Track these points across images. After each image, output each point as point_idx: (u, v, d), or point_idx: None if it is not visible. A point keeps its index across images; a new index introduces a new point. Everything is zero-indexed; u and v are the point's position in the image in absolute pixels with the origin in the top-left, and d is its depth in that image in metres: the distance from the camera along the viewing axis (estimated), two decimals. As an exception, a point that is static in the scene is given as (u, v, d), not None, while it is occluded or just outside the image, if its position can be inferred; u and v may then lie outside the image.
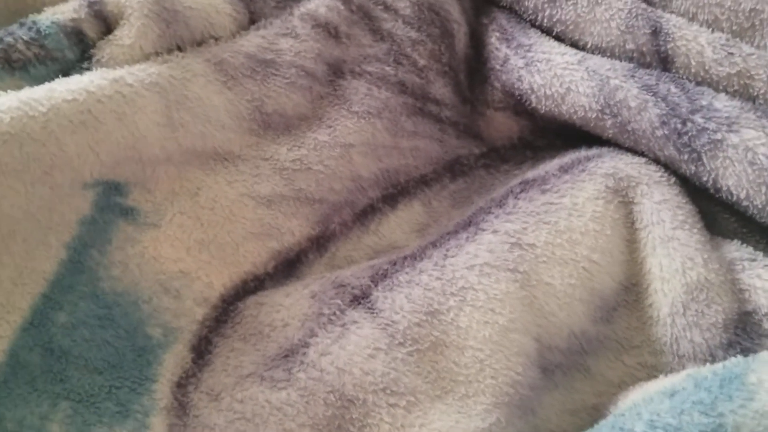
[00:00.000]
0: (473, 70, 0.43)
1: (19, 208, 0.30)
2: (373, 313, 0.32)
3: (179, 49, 0.36)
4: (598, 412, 0.33)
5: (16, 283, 0.31)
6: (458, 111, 0.41)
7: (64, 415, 0.30)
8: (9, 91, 0.31)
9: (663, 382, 0.30)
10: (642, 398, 0.30)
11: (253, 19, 0.39)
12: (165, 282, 0.33)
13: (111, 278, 0.33)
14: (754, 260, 0.34)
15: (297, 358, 0.31)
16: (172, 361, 0.32)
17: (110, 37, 0.34)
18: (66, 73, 0.34)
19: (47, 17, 0.34)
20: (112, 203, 0.33)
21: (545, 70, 0.39)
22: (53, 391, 0.30)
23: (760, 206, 0.34)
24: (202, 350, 0.33)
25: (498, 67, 0.42)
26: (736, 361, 0.29)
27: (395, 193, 0.39)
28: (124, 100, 0.33)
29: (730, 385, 0.28)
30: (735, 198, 0.34)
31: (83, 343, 0.31)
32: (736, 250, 0.35)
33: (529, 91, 0.40)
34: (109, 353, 0.31)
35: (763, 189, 0.34)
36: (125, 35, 0.34)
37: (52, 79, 0.33)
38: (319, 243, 0.37)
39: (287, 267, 0.36)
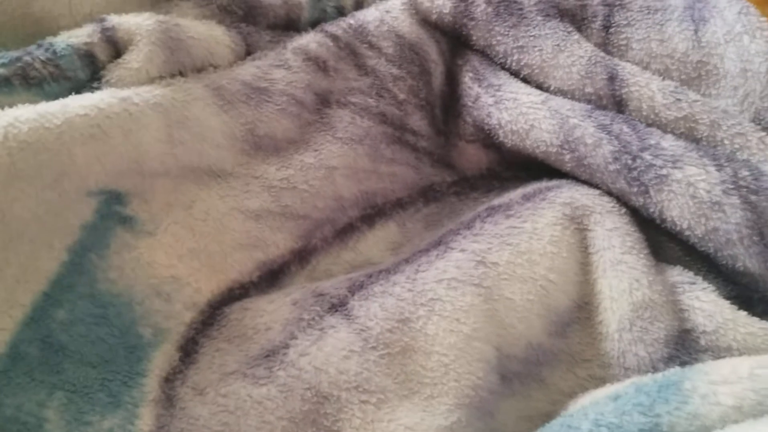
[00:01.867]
0: (448, 106, 0.46)
1: (29, 210, 0.32)
2: (349, 319, 0.35)
3: (181, 74, 0.39)
4: (551, 419, 0.35)
5: (20, 281, 0.33)
6: (433, 142, 0.45)
7: (60, 403, 0.32)
8: (26, 104, 0.34)
9: (609, 389, 0.33)
10: (589, 401, 0.33)
11: (249, 51, 0.42)
12: (157, 286, 0.35)
13: (108, 280, 0.35)
14: (693, 284, 0.37)
15: (278, 358, 0.34)
16: (161, 359, 0.34)
17: (119, 60, 0.37)
18: (77, 91, 0.36)
19: (63, 40, 0.37)
20: (112, 211, 0.35)
21: (512, 108, 0.43)
22: (50, 381, 0.32)
23: (700, 236, 0.37)
24: (189, 350, 0.35)
25: (470, 103, 0.45)
26: (674, 371, 0.31)
27: (373, 213, 0.42)
28: (130, 118, 0.35)
29: (667, 391, 0.30)
30: (678, 228, 0.37)
31: (79, 338, 0.33)
32: (678, 274, 0.38)
33: (497, 127, 0.43)
34: (103, 349, 0.33)
35: (703, 220, 0.37)
36: (134, 59, 0.37)
37: (65, 96, 0.36)
38: (301, 256, 0.39)
39: (271, 277, 0.38)
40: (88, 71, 0.37)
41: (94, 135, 0.34)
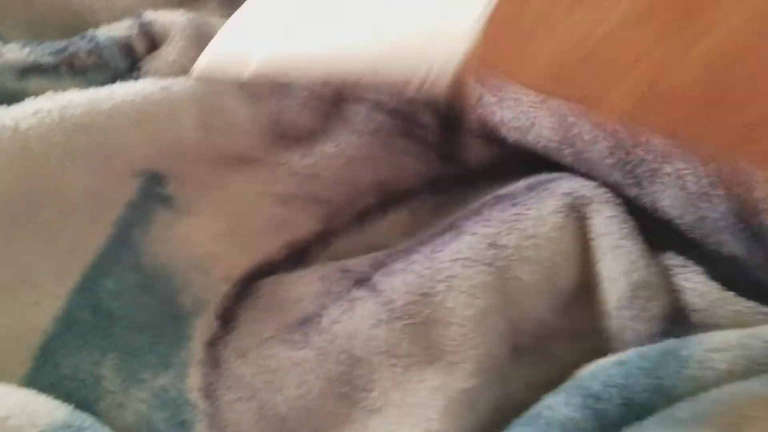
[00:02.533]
0: (453, 103, 0.50)
1: (82, 186, 0.35)
2: (375, 292, 0.38)
3: None
4: (556, 387, 0.38)
5: (72, 252, 0.35)
6: (440, 136, 0.48)
7: (113, 363, 0.34)
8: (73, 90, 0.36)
9: (613, 357, 0.36)
10: (596, 368, 0.36)
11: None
12: (195, 261, 0.38)
13: (150, 254, 0.37)
14: (684, 266, 0.40)
15: (312, 326, 0.36)
16: (203, 326, 0.37)
17: (156, 53, 0.40)
18: (118, 80, 0.38)
19: (104, 32, 0.39)
20: (154, 191, 0.38)
21: (514, 107, 0.46)
22: (102, 344, 0.34)
23: (690, 223, 0.41)
24: (228, 318, 0.37)
25: (474, 101, 0.48)
26: (671, 341, 0.35)
27: (387, 200, 0.45)
28: (170, 105, 0.38)
29: (666, 357, 0.34)
30: (670, 216, 0.40)
31: (127, 306, 0.35)
32: (670, 258, 0.41)
33: (500, 124, 0.47)
34: (150, 315, 0.36)
35: (691, 209, 0.41)
36: (170, 53, 0.40)
37: (107, 83, 0.38)
38: (324, 237, 0.42)
39: (297, 256, 0.41)
40: (127, 61, 0.40)
41: (138, 120, 0.37)
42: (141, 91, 0.37)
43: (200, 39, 0.42)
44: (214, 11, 0.46)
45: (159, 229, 0.38)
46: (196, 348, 0.36)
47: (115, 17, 0.42)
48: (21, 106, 0.34)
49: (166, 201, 0.38)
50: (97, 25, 0.41)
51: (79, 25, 0.41)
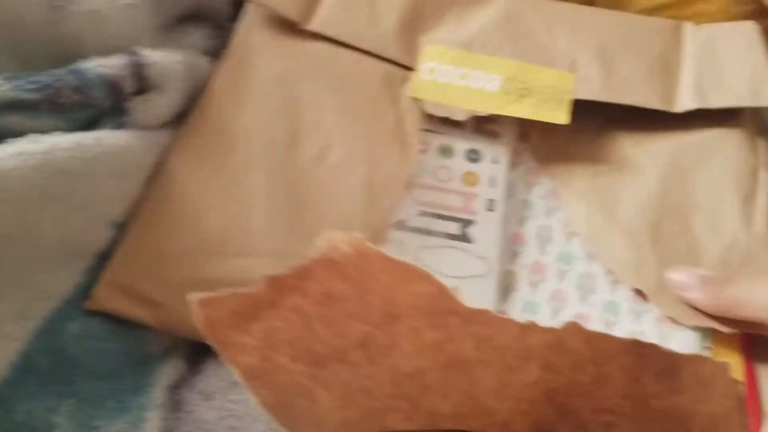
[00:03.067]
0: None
1: (56, 231, 0.35)
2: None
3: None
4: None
5: (37, 296, 0.35)
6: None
7: (69, 409, 0.34)
8: (51, 132, 0.36)
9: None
10: None
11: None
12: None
13: None
14: None
15: None
16: (169, 370, 0.37)
17: (146, 98, 0.40)
18: (98, 118, 0.39)
19: (94, 68, 0.38)
20: None
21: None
22: (59, 391, 0.34)
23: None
24: (196, 360, 0.38)
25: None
26: None
27: None
28: (149, 167, 0.40)
29: None
30: None
31: (90, 352, 0.35)
32: None
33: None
34: (113, 363, 0.35)
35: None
36: (161, 105, 0.41)
37: (86, 122, 0.38)
38: None
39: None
40: (112, 101, 0.40)
41: (120, 172, 0.38)
42: (127, 145, 0.38)
43: (190, 91, 0.43)
44: (197, 42, 0.46)
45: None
46: (157, 392, 0.36)
47: (104, 47, 0.41)
48: (3, 147, 0.34)
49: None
50: (84, 55, 0.41)
51: (67, 52, 0.41)
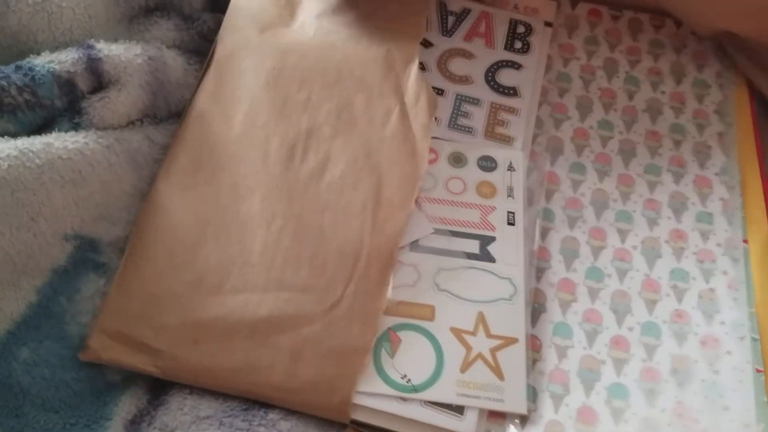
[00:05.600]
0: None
1: (3, 249, 0.31)
2: None
3: (156, 116, 0.39)
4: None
5: (-16, 320, 0.31)
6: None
7: None
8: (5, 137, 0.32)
9: None
10: None
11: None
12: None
13: (78, 324, 0.33)
14: None
15: (258, 413, 0.33)
16: (128, 402, 0.33)
17: (103, 96, 0.36)
18: (51, 120, 0.35)
19: (44, 64, 0.34)
20: (86, 257, 0.34)
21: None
22: (8, 424, 0.31)
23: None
24: (158, 391, 0.33)
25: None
26: None
27: None
28: (110, 169, 0.35)
29: None
30: None
31: (42, 381, 0.32)
32: None
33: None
34: (67, 394, 0.32)
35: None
36: (120, 102, 0.36)
37: (37, 124, 0.34)
38: None
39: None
40: (66, 100, 0.35)
41: (74, 180, 0.34)
42: (82, 148, 0.34)
43: (153, 87, 0.37)
44: (166, 34, 0.41)
45: (89, 297, 0.34)
46: (115, 428, 0.32)
47: (57, 41, 0.37)
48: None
49: (99, 267, 0.35)
50: (37, 49, 0.36)
51: (15, 46, 0.36)
